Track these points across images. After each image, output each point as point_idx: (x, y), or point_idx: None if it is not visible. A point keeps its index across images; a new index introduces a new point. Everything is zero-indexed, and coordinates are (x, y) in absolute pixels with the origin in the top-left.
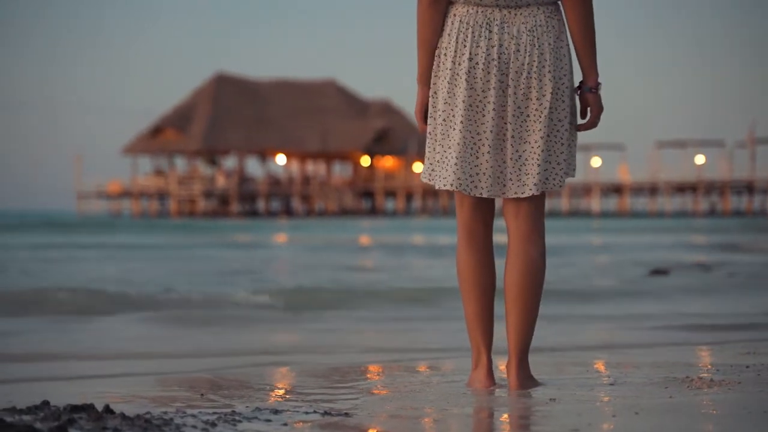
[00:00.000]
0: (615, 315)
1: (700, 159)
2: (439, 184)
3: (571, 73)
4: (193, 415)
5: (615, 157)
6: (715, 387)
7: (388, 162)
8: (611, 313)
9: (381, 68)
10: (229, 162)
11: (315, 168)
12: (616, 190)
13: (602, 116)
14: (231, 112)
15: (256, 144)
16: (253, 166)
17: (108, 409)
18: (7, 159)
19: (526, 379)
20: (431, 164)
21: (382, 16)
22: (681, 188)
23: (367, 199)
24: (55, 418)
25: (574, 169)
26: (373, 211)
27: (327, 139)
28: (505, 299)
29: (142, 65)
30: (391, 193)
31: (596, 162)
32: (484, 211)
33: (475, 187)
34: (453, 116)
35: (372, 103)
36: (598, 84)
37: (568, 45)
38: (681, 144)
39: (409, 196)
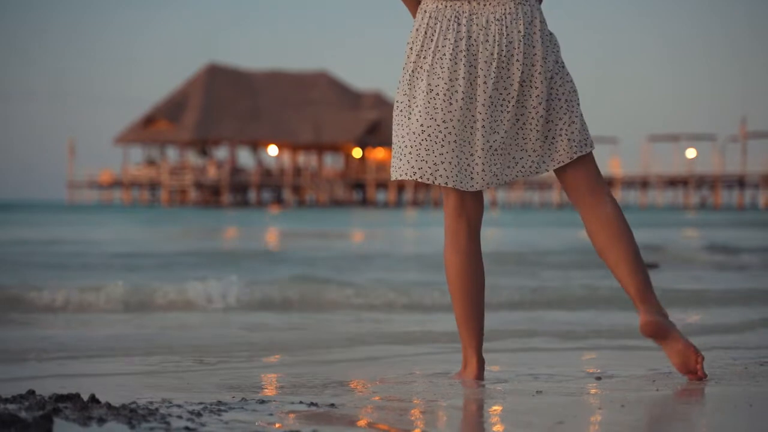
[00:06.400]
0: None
1: (691, 153)
2: (428, 178)
3: (545, 59)
4: (179, 405)
5: (607, 150)
6: (701, 380)
7: (379, 154)
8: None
9: (373, 60)
10: (221, 153)
11: (306, 159)
12: (608, 183)
13: (595, 109)
14: (223, 103)
15: (248, 135)
16: (245, 157)
17: (93, 399)
18: None
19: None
20: (412, 158)
21: (375, 8)
22: (672, 182)
23: (359, 190)
24: (40, 407)
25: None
26: (365, 203)
27: (319, 130)
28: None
29: (134, 55)
30: (382, 185)
31: None
32: (468, 210)
33: (462, 180)
34: (410, 107)
35: (364, 94)
36: None
37: (541, 31)
38: (673, 138)
39: (400, 188)
